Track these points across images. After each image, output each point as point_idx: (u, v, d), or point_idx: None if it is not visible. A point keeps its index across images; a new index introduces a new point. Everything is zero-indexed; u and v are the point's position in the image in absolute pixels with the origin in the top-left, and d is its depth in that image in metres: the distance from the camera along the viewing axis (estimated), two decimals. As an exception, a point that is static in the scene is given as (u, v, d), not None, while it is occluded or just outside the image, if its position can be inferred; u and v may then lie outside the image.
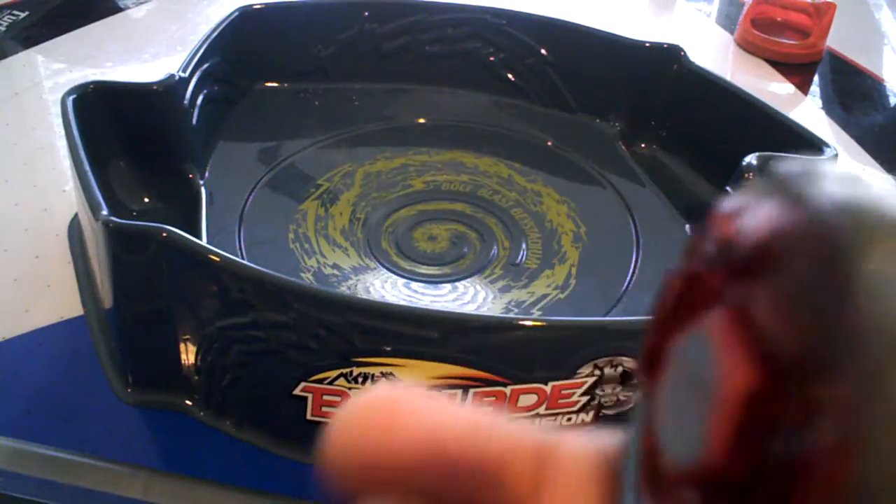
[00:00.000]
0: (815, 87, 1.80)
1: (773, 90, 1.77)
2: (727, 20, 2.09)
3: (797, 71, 1.84)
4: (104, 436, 0.89)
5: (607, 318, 1.01)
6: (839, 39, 1.94)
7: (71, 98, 1.06)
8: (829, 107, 1.72)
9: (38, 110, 1.49)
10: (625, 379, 0.81)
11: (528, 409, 0.81)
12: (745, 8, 1.96)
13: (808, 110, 1.70)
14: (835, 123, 1.65)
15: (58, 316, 1.04)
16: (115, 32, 1.79)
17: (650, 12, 2.15)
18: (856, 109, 1.72)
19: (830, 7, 1.86)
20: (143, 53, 1.70)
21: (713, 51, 1.95)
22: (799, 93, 1.77)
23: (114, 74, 1.58)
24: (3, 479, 0.83)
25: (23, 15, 1.71)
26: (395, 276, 1.10)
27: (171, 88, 1.14)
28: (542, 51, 1.42)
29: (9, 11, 1.72)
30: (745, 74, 1.81)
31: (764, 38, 1.88)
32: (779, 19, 1.97)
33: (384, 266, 1.11)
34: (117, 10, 1.90)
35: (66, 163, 1.31)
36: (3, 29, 1.52)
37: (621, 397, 0.82)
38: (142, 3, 1.94)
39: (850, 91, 1.81)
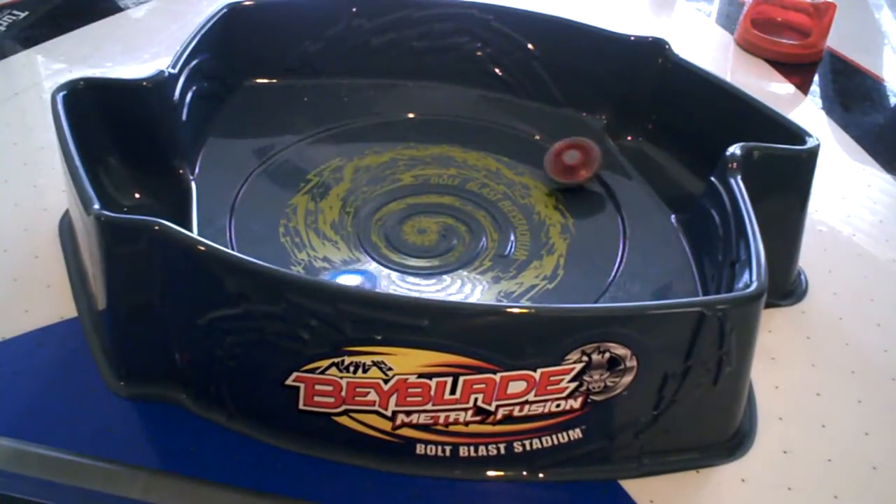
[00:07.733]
0: (815, 87, 1.81)
1: (773, 90, 1.77)
2: (727, 20, 2.10)
3: (797, 71, 1.84)
4: (103, 434, 0.90)
5: (594, 305, 1.02)
6: (839, 39, 1.94)
7: (60, 94, 1.06)
8: (829, 107, 1.72)
9: (38, 110, 1.49)
10: (612, 365, 0.82)
11: (518, 395, 0.83)
12: (745, 8, 1.97)
13: (808, 110, 1.70)
14: (835, 123, 1.65)
15: (57, 316, 1.04)
16: (115, 32, 1.79)
17: (650, 12, 2.16)
18: (856, 109, 1.73)
19: (830, 7, 1.87)
20: (142, 53, 1.70)
21: (713, 51, 1.95)
22: (799, 93, 1.77)
23: (113, 74, 1.58)
24: (3, 479, 0.84)
25: (23, 15, 1.71)
26: (385, 269, 1.11)
27: (160, 85, 1.15)
28: (529, 46, 1.43)
29: (9, 11, 1.72)
30: (745, 74, 1.81)
31: (764, 38, 1.89)
32: (779, 19, 1.97)
33: (374, 259, 1.12)
34: (117, 10, 1.90)
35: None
36: (3, 29, 1.53)
37: (609, 383, 0.83)
38: (142, 3, 1.94)
39: (850, 91, 1.81)
